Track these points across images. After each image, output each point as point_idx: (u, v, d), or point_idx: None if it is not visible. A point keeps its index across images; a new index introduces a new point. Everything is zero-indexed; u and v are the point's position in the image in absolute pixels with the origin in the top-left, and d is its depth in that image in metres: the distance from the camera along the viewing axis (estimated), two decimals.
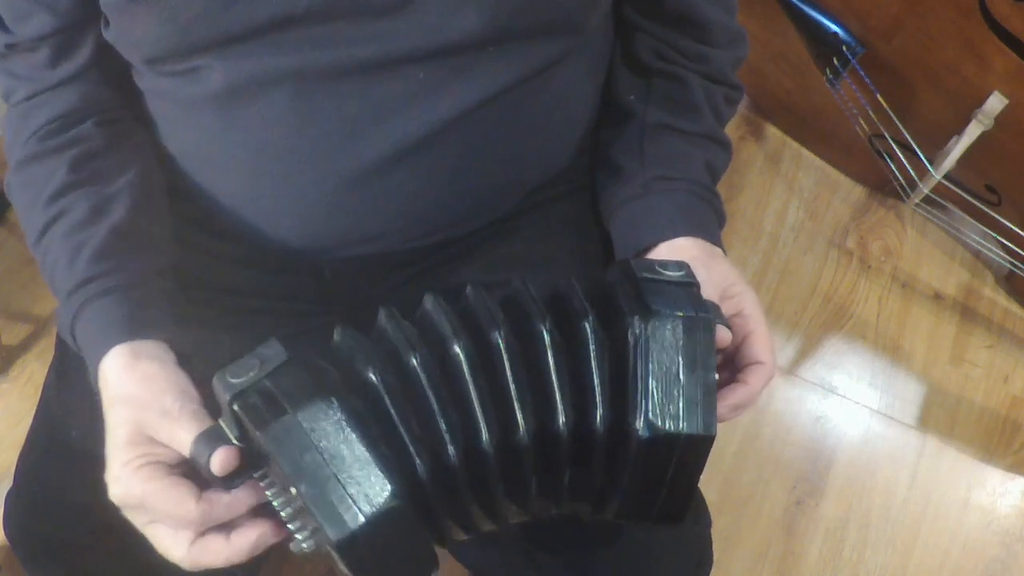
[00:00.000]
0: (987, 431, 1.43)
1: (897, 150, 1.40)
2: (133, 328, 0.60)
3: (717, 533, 0.76)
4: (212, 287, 0.74)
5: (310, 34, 0.60)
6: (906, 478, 1.37)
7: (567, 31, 0.67)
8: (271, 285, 0.77)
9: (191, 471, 0.54)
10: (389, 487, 0.48)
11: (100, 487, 0.71)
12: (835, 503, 1.34)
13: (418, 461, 0.53)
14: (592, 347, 0.55)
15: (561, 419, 0.55)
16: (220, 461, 0.51)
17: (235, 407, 0.50)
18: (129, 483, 0.53)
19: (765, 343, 0.63)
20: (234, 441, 0.51)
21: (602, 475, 0.57)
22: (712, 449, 0.55)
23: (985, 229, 1.47)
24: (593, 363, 0.55)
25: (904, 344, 1.49)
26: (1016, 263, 1.46)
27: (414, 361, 0.54)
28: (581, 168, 0.79)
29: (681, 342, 0.54)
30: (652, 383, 0.53)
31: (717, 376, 0.55)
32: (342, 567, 0.50)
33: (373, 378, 0.53)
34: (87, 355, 0.61)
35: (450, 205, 0.70)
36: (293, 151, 0.65)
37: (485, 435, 0.54)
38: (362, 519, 0.48)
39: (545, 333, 0.55)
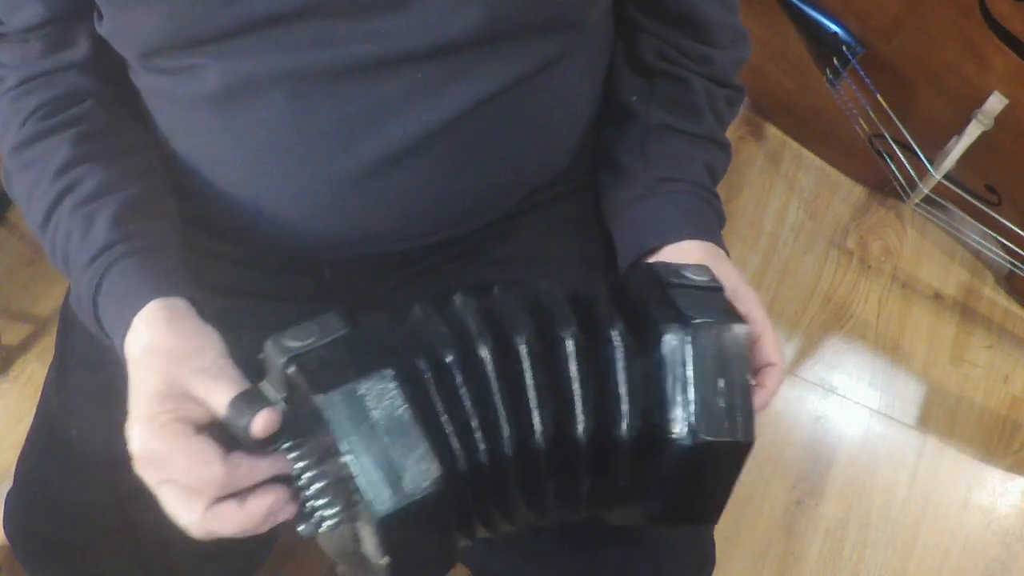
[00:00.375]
0: (987, 431, 1.43)
1: (897, 150, 1.40)
2: (164, 285, 0.59)
3: (717, 533, 0.76)
4: (211, 287, 0.74)
5: (308, 32, 0.60)
6: (906, 478, 1.37)
7: (566, 28, 0.67)
8: (271, 285, 0.77)
9: (217, 435, 0.53)
10: (438, 470, 0.49)
11: (100, 487, 0.71)
12: (835, 503, 1.34)
13: (460, 453, 0.53)
14: (620, 355, 0.55)
15: (580, 426, 0.55)
16: (263, 422, 0.50)
17: (291, 370, 0.49)
18: (152, 437, 0.51)
19: (774, 345, 0.62)
20: (277, 404, 0.51)
21: (630, 482, 0.57)
22: None
23: (985, 229, 1.47)
24: (620, 371, 0.55)
25: (904, 344, 1.49)
26: (1016, 263, 1.46)
27: (451, 358, 0.54)
28: (581, 168, 0.79)
29: (719, 349, 0.54)
30: (692, 392, 0.53)
31: (758, 397, 0.55)
32: (370, 548, 0.50)
33: (421, 366, 0.53)
34: (111, 323, 0.59)
35: (449, 205, 0.70)
36: (291, 151, 0.65)
37: (506, 436, 0.54)
38: (408, 497, 0.48)
39: (570, 340, 0.55)
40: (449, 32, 0.61)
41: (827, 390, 1.43)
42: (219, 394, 0.52)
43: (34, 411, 0.77)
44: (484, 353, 0.54)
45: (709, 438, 0.53)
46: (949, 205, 1.50)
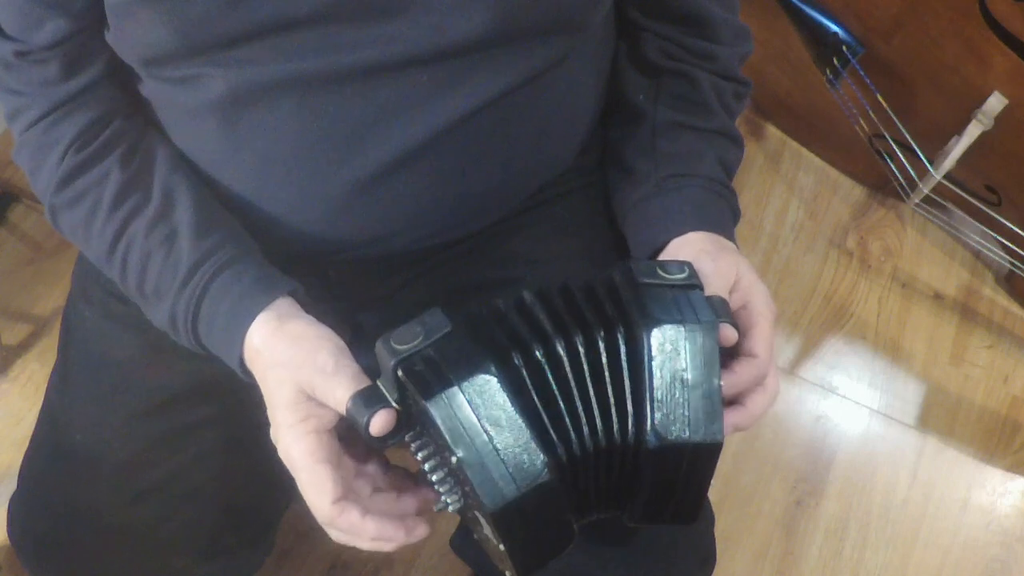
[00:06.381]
0: (987, 431, 1.43)
1: (897, 150, 1.40)
2: (268, 287, 0.61)
3: (717, 533, 0.76)
4: None
5: (312, 38, 0.60)
6: (906, 478, 1.37)
7: (569, 30, 0.67)
8: None
9: (347, 431, 0.56)
10: (542, 459, 0.50)
11: (104, 489, 0.72)
12: (835, 503, 1.34)
13: (571, 439, 0.55)
14: (605, 359, 0.56)
15: (614, 428, 0.56)
16: (379, 423, 0.53)
17: (399, 373, 0.52)
18: (289, 447, 0.55)
19: (764, 338, 0.62)
20: (393, 403, 0.53)
21: (625, 483, 0.57)
22: None
23: (985, 229, 1.47)
24: (607, 375, 0.56)
25: (904, 344, 1.49)
26: (1016, 263, 1.46)
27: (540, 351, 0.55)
28: (586, 166, 0.79)
29: (684, 350, 0.54)
30: (658, 393, 0.54)
31: (722, 382, 0.55)
32: (489, 534, 0.52)
33: (518, 359, 0.54)
34: (219, 347, 0.62)
35: (454, 206, 0.70)
36: (297, 157, 0.65)
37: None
38: (516, 491, 0.50)
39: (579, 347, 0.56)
40: (453, 35, 0.61)
41: (827, 390, 1.43)
42: (340, 390, 0.54)
43: (34, 411, 0.77)
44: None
45: (673, 440, 0.54)
46: (949, 205, 1.50)
